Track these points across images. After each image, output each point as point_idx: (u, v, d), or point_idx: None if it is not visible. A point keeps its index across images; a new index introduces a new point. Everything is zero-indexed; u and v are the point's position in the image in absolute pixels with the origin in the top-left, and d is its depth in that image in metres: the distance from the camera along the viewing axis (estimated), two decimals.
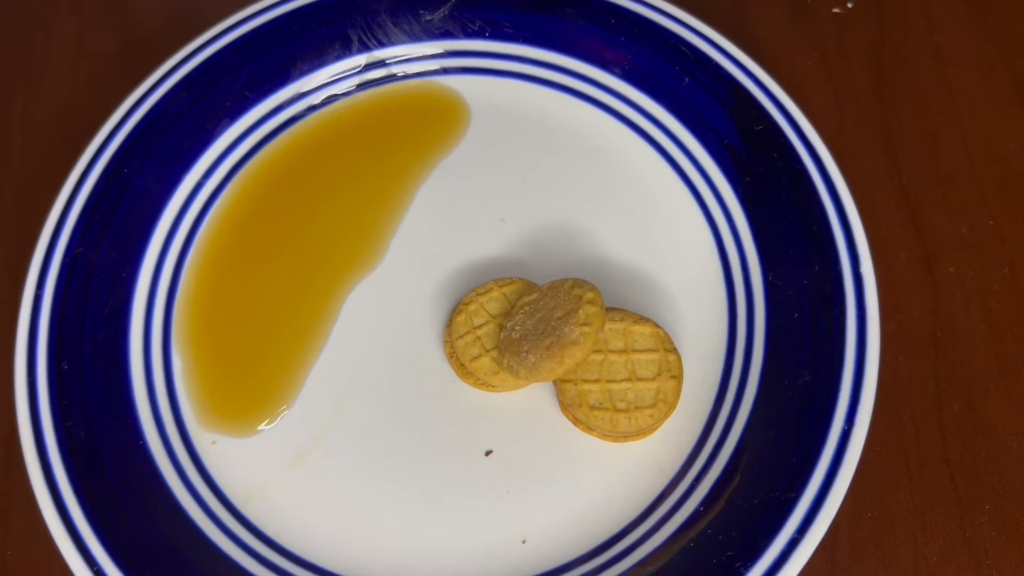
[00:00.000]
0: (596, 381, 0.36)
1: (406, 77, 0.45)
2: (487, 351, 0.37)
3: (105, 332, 0.39)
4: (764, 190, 0.40)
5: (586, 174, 0.43)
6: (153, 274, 0.41)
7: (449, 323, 0.39)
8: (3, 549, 0.38)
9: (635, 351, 0.36)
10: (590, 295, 0.36)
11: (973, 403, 0.39)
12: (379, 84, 0.45)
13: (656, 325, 0.37)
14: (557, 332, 0.35)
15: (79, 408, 0.37)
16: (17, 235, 0.44)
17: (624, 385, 0.36)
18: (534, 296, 0.37)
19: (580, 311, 0.35)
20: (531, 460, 0.37)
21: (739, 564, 0.33)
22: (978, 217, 0.43)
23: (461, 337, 0.38)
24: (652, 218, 0.42)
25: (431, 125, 0.44)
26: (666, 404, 0.35)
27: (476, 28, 0.45)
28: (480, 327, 0.38)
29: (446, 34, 0.45)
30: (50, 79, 0.48)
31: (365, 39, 0.45)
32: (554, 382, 0.37)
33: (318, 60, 0.45)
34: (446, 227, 0.42)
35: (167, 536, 0.35)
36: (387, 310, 0.40)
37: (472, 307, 0.38)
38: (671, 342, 0.37)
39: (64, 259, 0.39)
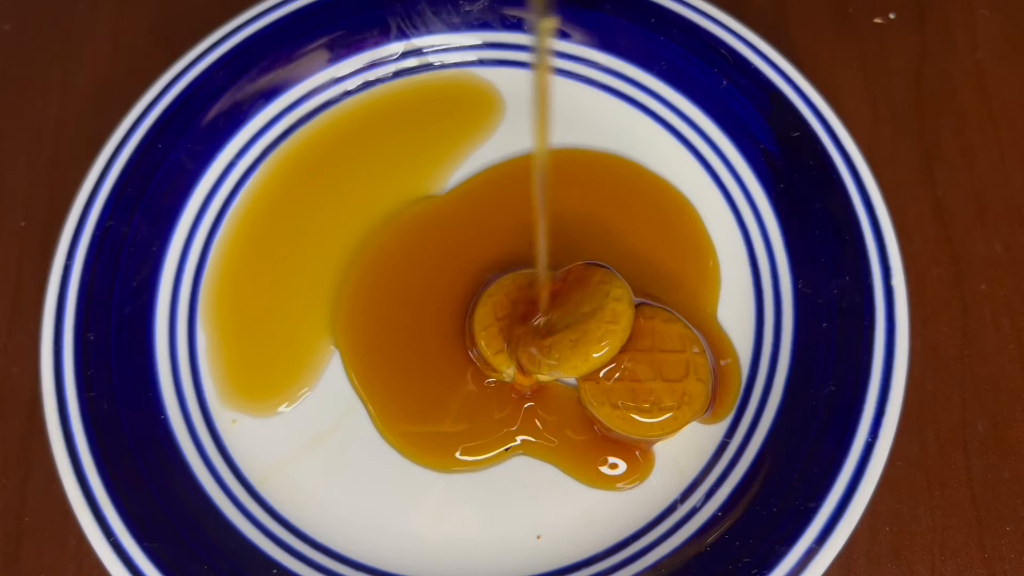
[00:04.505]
0: (620, 380, 0.35)
1: (443, 67, 0.45)
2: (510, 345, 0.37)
3: (132, 305, 0.39)
4: (798, 197, 0.40)
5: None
6: (182, 250, 0.41)
7: (472, 314, 0.39)
8: (21, 515, 0.38)
9: (662, 351, 0.36)
10: (617, 292, 0.35)
11: (998, 423, 0.38)
12: (415, 72, 0.45)
13: (685, 325, 0.37)
14: (583, 328, 0.35)
15: (103, 379, 0.37)
16: (50, 205, 0.44)
17: (649, 385, 0.35)
18: (559, 289, 0.37)
19: (608, 308, 0.35)
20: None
21: (755, 572, 0.32)
22: (1012, 236, 0.42)
23: (484, 329, 0.38)
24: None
25: (465, 116, 0.44)
26: (691, 407, 0.35)
27: (515, 21, 0.45)
28: (504, 319, 0.38)
29: (485, 25, 0.45)
30: (89, 51, 0.48)
31: (404, 27, 0.45)
32: (577, 378, 0.37)
33: (356, 45, 0.45)
34: None
35: (183, 510, 0.36)
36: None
37: (496, 298, 0.38)
38: (700, 344, 0.36)
39: (95, 231, 0.40)
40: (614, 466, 0.36)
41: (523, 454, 0.37)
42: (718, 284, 0.40)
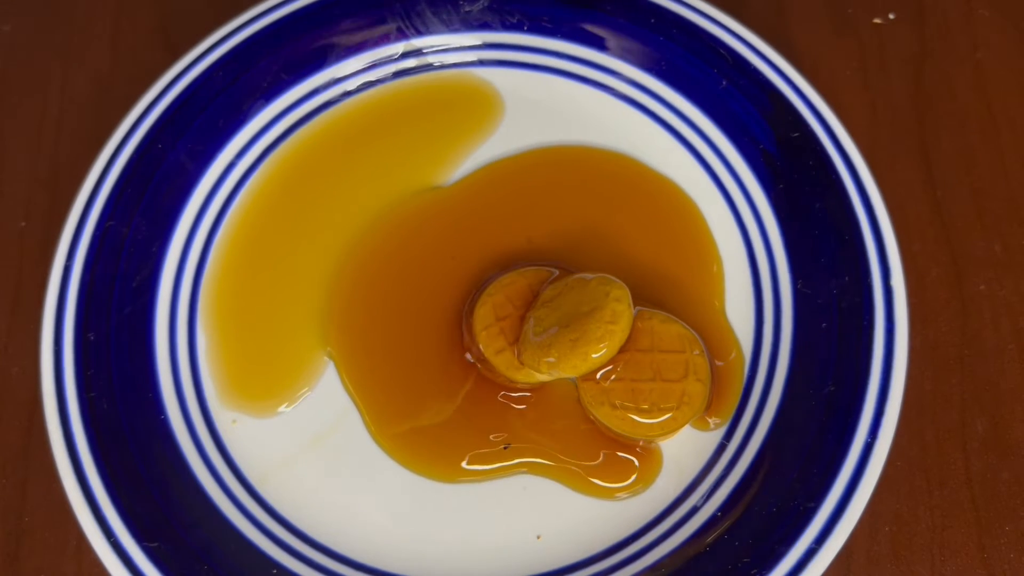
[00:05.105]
0: (620, 380, 0.36)
1: (442, 67, 0.45)
2: (510, 344, 0.37)
3: (132, 306, 0.39)
4: (797, 197, 0.40)
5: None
6: (182, 251, 0.41)
7: (472, 314, 0.39)
8: (21, 515, 0.38)
9: (661, 351, 0.36)
10: (617, 292, 0.35)
11: (998, 423, 0.38)
12: (415, 73, 0.45)
13: (684, 326, 0.37)
14: (582, 328, 0.35)
15: (103, 379, 0.37)
16: (50, 205, 0.44)
17: (648, 385, 0.35)
18: (559, 289, 0.37)
19: (607, 308, 0.35)
20: None
21: (755, 572, 0.32)
22: (1012, 236, 0.42)
23: (485, 329, 0.38)
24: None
25: (465, 116, 0.44)
26: (691, 407, 0.35)
27: (515, 21, 0.45)
28: (504, 319, 0.38)
29: (484, 26, 0.45)
30: (89, 52, 0.48)
31: (403, 27, 0.45)
32: (576, 378, 0.37)
33: (356, 46, 0.45)
34: None
35: (183, 510, 0.36)
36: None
37: (496, 298, 0.38)
38: (699, 344, 0.36)
39: (95, 231, 0.40)
40: (614, 476, 0.36)
41: (526, 472, 0.37)
42: (722, 282, 0.40)
